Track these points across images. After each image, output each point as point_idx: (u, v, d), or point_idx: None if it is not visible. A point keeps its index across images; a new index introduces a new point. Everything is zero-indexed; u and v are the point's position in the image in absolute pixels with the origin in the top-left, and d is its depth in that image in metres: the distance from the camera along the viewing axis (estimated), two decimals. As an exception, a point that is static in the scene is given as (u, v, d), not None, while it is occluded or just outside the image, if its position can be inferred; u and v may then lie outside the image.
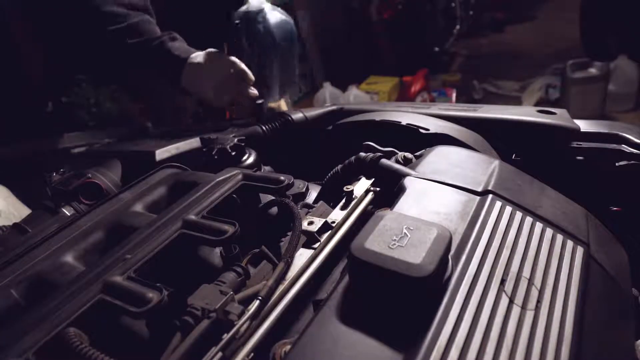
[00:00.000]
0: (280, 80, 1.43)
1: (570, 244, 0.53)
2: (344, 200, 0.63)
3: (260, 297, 0.45)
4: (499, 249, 0.48)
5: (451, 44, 4.59)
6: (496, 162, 0.66)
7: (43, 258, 0.57)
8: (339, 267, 0.56)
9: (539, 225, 0.53)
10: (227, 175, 0.67)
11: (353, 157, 0.72)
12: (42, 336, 0.42)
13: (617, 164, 0.76)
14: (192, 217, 0.57)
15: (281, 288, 0.48)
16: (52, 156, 1.28)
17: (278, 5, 1.44)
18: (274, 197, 0.65)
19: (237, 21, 1.28)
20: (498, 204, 0.55)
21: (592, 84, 3.05)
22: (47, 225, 0.71)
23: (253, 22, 1.35)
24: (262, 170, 0.85)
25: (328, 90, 3.62)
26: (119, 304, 0.44)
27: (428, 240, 0.43)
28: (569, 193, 0.64)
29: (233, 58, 1.12)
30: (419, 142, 0.79)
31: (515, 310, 0.42)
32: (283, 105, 2.55)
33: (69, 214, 0.75)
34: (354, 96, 3.55)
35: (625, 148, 0.76)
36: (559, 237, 0.53)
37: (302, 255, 0.54)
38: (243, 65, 1.12)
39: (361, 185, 0.66)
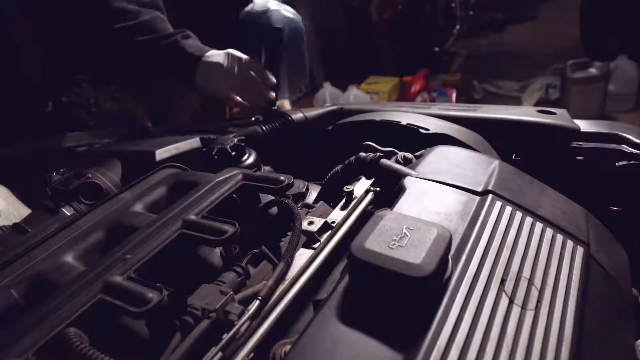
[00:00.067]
0: (290, 79, 1.42)
1: (570, 244, 0.53)
2: (344, 200, 0.63)
3: (260, 297, 0.45)
4: (499, 249, 0.48)
5: (451, 44, 4.59)
6: (496, 162, 0.66)
7: (43, 258, 0.57)
8: (339, 267, 0.56)
9: (539, 225, 0.53)
10: (227, 175, 0.67)
11: (353, 157, 0.72)
12: (42, 336, 0.42)
13: (617, 164, 0.76)
14: (192, 217, 0.57)
15: (281, 288, 0.48)
16: (52, 156, 1.28)
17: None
18: (274, 197, 0.65)
19: (279, 26, 1.25)
20: (498, 204, 0.55)
21: (592, 84, 3.05)
22: (47, 225, 0.71)
23: (258, 21, 1.34)
24: (262, 170, 0.85)
25: (328, 90, 3.62)
26: (119, 304, 0.44)
27: (428, 240, 0.43)
28: (569, 193, 0.64)
29: (254, 60, 1.11)
30: (419, 142, 0.79)
31: (515, 310, 0.42)
32: (286, 104, 2.55)
33: (69, 214, 0.75)
34: (354, 96, 3.55)
35: (625, 148, 0.76)
36: (559, 237, 0.53)
37: (302, 255, 0.54)
38: (261, 65, 1.11)
39: (361, 185, 0.66)
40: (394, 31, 4.09)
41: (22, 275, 0.55)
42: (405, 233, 0.45)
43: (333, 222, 0.58)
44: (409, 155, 0.74)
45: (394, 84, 3.77)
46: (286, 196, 0.64)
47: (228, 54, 1.11)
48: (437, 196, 0.57)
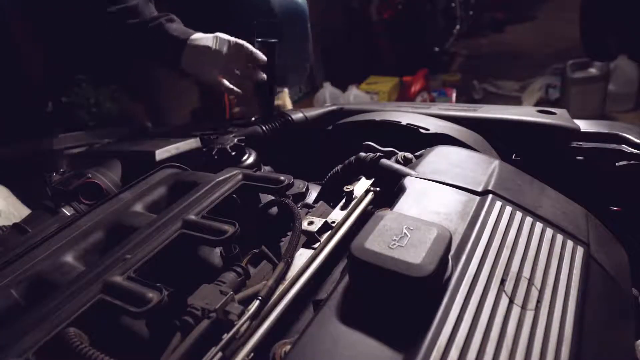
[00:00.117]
0: (290, 66, 1.35)
1: (570, 244, 0.53)
2: (344, 200, 0.63)
3: (260, 297, 0.45)
4: (499, 249, 0.48)
5: (451, 44, 4.59)
6: (496, 162, 0.66)
7: (43, 258, 0.57)
8: (339, 267, 0.56)
9: (539, 225, 0.53)
10: (227, 175, 0.67)
11: (353, 157, 0.72)
12: (42, 336, 0.42)
13: (617, 164, 0.76)
14: (192, 217, 0.57)
15: (281, 288, 0.48)
16: (52, 156, 1.28)
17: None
18: (274, 197, 0.65)
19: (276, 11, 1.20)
20: (498, 204, 0.55)
21: (592, 84, 3.05)
22: (47, 225, 0.71)
23: (254, 6, 1.31)
24: (262, 170, 0.85)
25: (328, 90, 3.63)
26: (119, 304, 0.44)
27: (428, 240, 0.43)
28: (569, 193, 0.64)
29: (240, 41, 1.09)
30: (419, 142, 0.79)
31: (515, 310, 0.42)
32: (288, 103, 2.54)
33: (69, 214, 0.75)
34: (354, 96, 3.55)
35: (625, 148, 0.76)
36: (559, 237, 0.53)
37: (302, 255, 0.54)
38: (251, 47, 1.10)
39: (361, 185, 0.66)
40: (394, 31, 4.09)
41: (22, 275, 0.55)
42: (405, 233, 0.45)
43: (333, 222, 0.58)
44: (409, 155, 0.74)
45: (394, 84, 3.77)
46: (286, 196, 0.64)
47: (216, 37, 1.09)
48: (437, 196, 0.57)
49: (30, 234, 0.70)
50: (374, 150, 0.78)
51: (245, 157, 0.83)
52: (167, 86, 1.58)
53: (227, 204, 0.63)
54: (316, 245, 0.55)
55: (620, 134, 0.78)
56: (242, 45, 1.09)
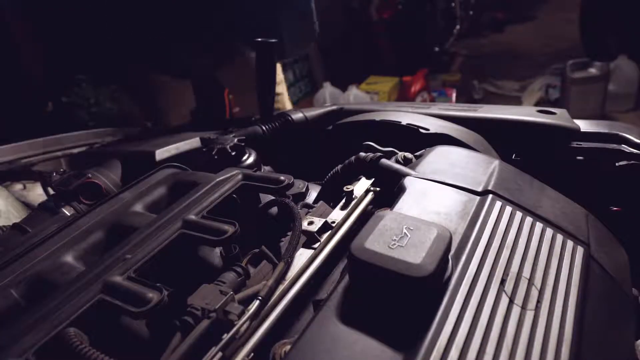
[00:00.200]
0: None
1: (570, 244, 0.53)
2: (344, 200, 0.63)
3: (260, 297, 0.45)
4: (499, 249, 0.48)
5: (451, 44, 4.59)
6: (496, 162, 0.66)
7: (43, 258, 0.57)
8: (339, 267, 0.56)
9: (539, 225, 0.53)
10: (227, 175, 0.67)
11: (353, 157, 0.72)
12: (42, 336, 0.42)
13: (617, 164, 0.76)
14: (192, 217, 0.57)
15: (281, 288, 0.48)
16: (51, 157, 1.28)
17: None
18: (274, 197, 0.65)
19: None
20: (498, 204, 0.55)
21: (592, 84, 3.05)
22: (47, 225, 0.71)
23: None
24: (262, 170, 0.85)
25: (328, 90, 3.63)
26: (119, 304, 0.44)
27: (428, 240, 0.43)
28: (569, 193, 0.64)
29: None
30: (419, 142, 0.79)
31: (515, 310, 0.42)
32: (287, 105, 2.53)
33: (69, 214, 0.75)
34: (354, 96, 3.55)
35: (625, 148, 0.76)
36: (559, 237, 0.53)
37: (302, 255, 0.54)
38: None
39: (361, 185, 0.66)
40: (394, 31, 4.10)
41: (22, 275, 0.54)
42: (405, 233, 0.45)
43: (333, 222, 0.58)
44: (409, 155, 0.74)
45: (394, 84, 3.77)
46: (286, 196, 0.64)
47: None
48: (437, 196, 0.57)
49: (30, 234, 0.70)
50: (374, 150, 0.78)
51: (245, 157, 0.83)
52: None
53: (227, 204, 0.63)
54: (316, 245, 0.55)
55: (620, 134, 0.78)
56: None
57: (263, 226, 0.67)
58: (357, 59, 4.17)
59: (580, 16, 3.45)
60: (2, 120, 1.27)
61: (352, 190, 0.63)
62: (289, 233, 0.56)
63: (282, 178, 0.63)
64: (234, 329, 0.42)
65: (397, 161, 0.72)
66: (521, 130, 0.84)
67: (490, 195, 0.57)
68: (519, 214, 0.54)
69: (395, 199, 0.58)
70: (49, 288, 0.51)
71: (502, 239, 0.50)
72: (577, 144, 0.80)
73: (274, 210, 0.67)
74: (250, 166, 0.81)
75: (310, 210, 0.65)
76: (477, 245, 0.48)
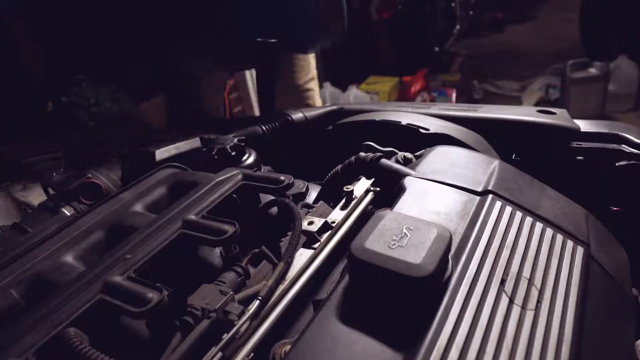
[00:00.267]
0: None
1: (570, 244, 0.53)
2: (344, 200, 0.63)
3: (260, 297, 0.45)
4: (499, 249, 0.48)
5: (451, 44, 4.59)
6: (496, 162, 0.66)
7: (43, 258, 0.57)
8: (339, 267, 0.56)
9: (539, 225, 0.53)
10: (227, 175, 0.67)
11: (353, 157, 0.72)
12: (42, 336, 0.42)
13: (617, 164, 0.76)
14: (192, 217, 0.57)
15: (281, 288, 0.48)
16: (51, 156, 1.28)
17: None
18: (274, 197, 0.65)
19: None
20: (498, 204, 0.55)
21: (592, 84, 3.05)
22: (47, 225, 0.71)
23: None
24: (262, 170, 0.85)
25: (328, 90, 3.62)
26: (119, 304, 0.44)
27: (428, 240, 0.43)
28: (569, 193, 0.64)
29: None
30: (419, 142, 0.79)
31: (515, 310, 0.42)
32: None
33: (69, 214, 0.75)
34: (354, 96, 3.55)
35: (625, 148, 0.76)
36: (559, 237, 0.53)
37: (302, 255, 0.54)
38: None
39: (361, 185, 0.66)
40: (394, 31, 4.09)
41: (22, 275, 0.55)
42: (405, 233, 0.45)
43: (333, 222, 0.58)
44: (409, 155, 0.74)
45: (394, 84, 3.77)
46: (286, 196, 0.64)
47: None
48: (437, 196, 0.57)
49: (30, 234, 0.70)
50: (374, 150, 0.77)
51: (245, 157, 0.83)
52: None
53: (227, 204, 0.63)
54: (316, 245, 0.55)
55: (620, 134, 0.78)
56: None
57: (263, 226, 0.67)
58: (357, 59, 4.16)
59: (580, 16, 3.45)
60: (2, 120, 1.27)
61: (352, 190, 0.63)
62: (289, 233, 0.56)
63: (282, 178, 0.63)
64: (234, 329, 0.42)
65: (397, 161, 0.72)
66: (521, 130, 0.84)
67: (490, 195, 0.57)
68: (519, 214, 0.54)
69: (395, 199, 0.58)
70: (49, 288, 0.51)
71: (502, 239, 0.50)
72: (577, 144, 0.80)
73: (274, 210, 0.67)
74: (250, 166, 0.81)
75: (310, 210, 0.65)
76: (477, 245, 0.48)
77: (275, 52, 1.12)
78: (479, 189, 0.58)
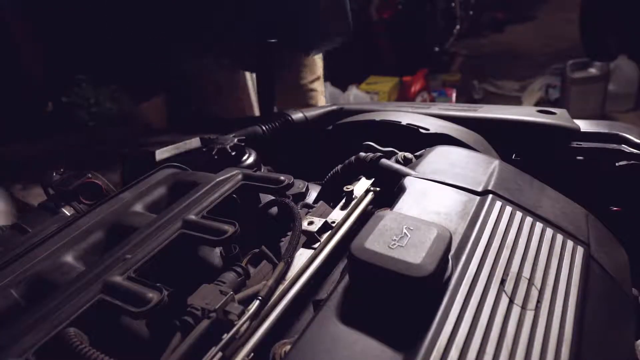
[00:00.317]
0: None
1: (570, 244, 0.53)
2: (344, 200, 0.63)
3: (260, 297, 0.45)
4: (499, 249, 0.48)
5: (451, 44, 4.59)
6: (496, 162, 0.66)
7: (43, 258, 0.57)
8: (339, 267, 0.56)
9: (539, 225, 0.53)
10: (227, 175, 0.67)
11: (353, 157, 0.72)
12: (42, 336, 0.42)
13: (617, 164, 0.76)
14: (192, 217, 0.57)
15: (281, 288, 0.48)
16: (52, 156, 1.28)
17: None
18: (274, 197, 0.65)
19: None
20: (498, 204, 0.55)
21: (592, 84, 3.05)
22: (47, 225, 0.71)
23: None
24: (262, 170, 0.85)
25: (328, 90, 3.62)
26: (119, 304, 0.44)
27: (428, 240, 0.43)
28: (569, 193, 0.64)
29: None
30: (419, 142, 0.79)
31: (515, 310, 0.42)
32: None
33: (69, 214, 0.75)
34: (354, 96, 3.55)
35: (625, 148, 0.76)
36: (559, 237, 0.53)
37: (302, 255, 0.54)
38: None
39: (361, 185, 0.66)
40: (394, 31, 4.09)
41: (22, 275, 0.55)
42: (405, 233, 0.45)
43: (333, 222, 0.58)
44: (409, 155, 0.74)
45: (394, 84, 3.77)
46: (286, 196, 0.64)
47: None
48: (437, 196, 0.57)
49: (30, 234, 0.70)
50: (374, 150, 0.77)
51: (245, 157, 0.83)
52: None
53: (227, 204, 0.63)
54: (316, 245, 0.55)
55: (620, 134, 0.78)
56: None
57: (263, 226, 0.67)
58: (357, 59, 4.16)
59: (580, 16, 3.45)
60: (2, 120, 1.27)
61: (352, 190, 0.63)
62: (289, 233, 0.56)
63: (282, 178, 0.63)
64: (234, 329, 0.42)
65: (397, 161, 0.72)
66: (521, 130, 0.84)
67: (490, 195, 0.57)
68: (519, 214, 0.54)
69: (395, 199, 0.58)
70: (49, 288, 0.51)
71: (502, 239, 0.50)
72: (577, 144, 0.80)
73: (274, 210, 0.67)
74: (250, 166, 0.81)
75: (310, 210, 0.65)
76: (477, 245, 0.48)
77: (275, 52, 1.12)
78: (479, 189, 0.58)
